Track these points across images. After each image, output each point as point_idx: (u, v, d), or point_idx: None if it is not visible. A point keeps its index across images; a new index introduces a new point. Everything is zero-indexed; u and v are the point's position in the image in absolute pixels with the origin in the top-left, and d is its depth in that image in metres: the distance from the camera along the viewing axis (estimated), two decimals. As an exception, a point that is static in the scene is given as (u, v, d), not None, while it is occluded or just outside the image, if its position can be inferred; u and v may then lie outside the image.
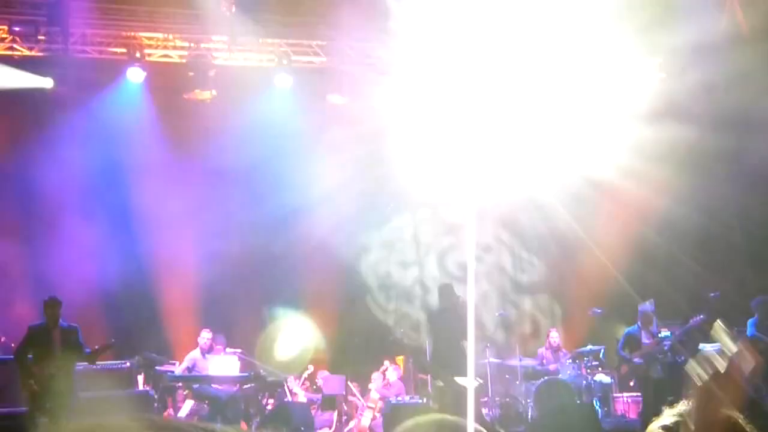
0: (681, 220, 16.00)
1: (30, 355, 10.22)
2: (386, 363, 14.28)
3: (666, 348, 12.40)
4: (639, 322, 12.61)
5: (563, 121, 15.08)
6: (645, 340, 12.39)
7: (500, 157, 13.13)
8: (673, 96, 15.73)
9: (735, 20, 15.70)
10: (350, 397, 14.35)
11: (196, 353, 12.67)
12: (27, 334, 10.47)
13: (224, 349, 13.09)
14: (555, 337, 14.30)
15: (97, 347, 10.49)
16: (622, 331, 13.03)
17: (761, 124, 15.10)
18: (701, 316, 12.38)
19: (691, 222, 16.05)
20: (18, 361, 10.37)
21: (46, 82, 14.00)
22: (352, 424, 13.70)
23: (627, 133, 15.89)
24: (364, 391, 14.19)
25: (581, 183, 16.45)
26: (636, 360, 12.23)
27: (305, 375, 14.48)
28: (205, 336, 12.86)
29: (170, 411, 12.93)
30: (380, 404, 13.56)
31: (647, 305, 12.84)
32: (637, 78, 16.31)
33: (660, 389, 12.27)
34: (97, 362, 11.51)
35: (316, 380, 14.50)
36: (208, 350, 12.83)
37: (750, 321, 12.61)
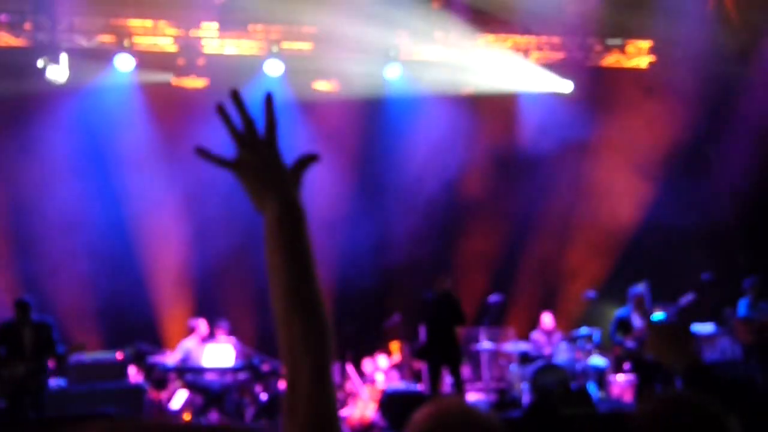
0: (673, 202, 16.06)
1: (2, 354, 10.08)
2: (380, 355, 14.31)
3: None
4: (630, 305, 12.60)
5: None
6: (636, 323, 12.38)
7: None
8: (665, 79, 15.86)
9: (722, 5, 15.79)
10: (348, 384, 14.32)
11: (190, 342, 12.60)
12: None
13: (227, 334, 12.97)
14: (548, 320, 14.29)
15: (67, 348, 10.42)
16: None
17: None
18: (691, 295, 12.41)
19: (683, 204, 16.10)
20: None
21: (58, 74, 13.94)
22: (346, 411, 13.65)
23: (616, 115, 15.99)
24: (360, 379, 14.16)
25: (571, 162, 16.55)
26: (628, 344, 12.23)
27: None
28: (201, 325, 12.79)
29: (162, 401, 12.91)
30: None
31: (638, 287, 12.83)
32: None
33: (654, 372, 12.29)
34: (89, 355, 11.47)
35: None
36: (206, 338, 12.74)
37: (742, 301, 12.65)
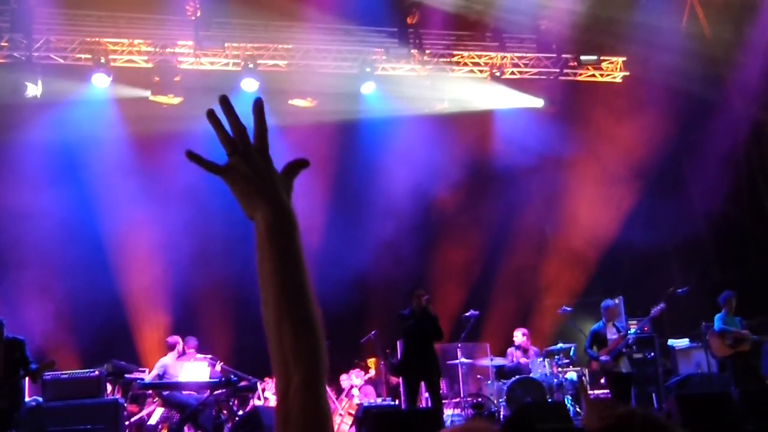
0: (648, 218, 16.18)
1: None
2: (357, 370, 14.36)
3: (630, 342, 12.45)
4: (603, 319, 12.65)
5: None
6: (611, 336, 12.42)
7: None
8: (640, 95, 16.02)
9: (696, 20, 15.96)
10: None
11: (167, 359, 12.56)
12: None
13: (195, 353, 12.97)
14: (519, 336, 14.31)
15: (39, 365, 10.31)
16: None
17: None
18: (662, 305, 12.46)
19: (658, 219, 16.23)
20: None
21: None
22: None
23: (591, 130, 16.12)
24: (336, 395, 14.17)
25: (547, 178, 16.66)
26: (603, 358, 12.27)
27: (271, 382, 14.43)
28: (180, 341, 12.77)
29: (143, 418, 12.86)
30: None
31: (610, 301, 12.91)
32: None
33: (628, 385, 12.36)
34: (66, 371, 11.39)
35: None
36: (182, 355, 12.72)
37: (717, 315, 12.74)
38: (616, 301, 13.92)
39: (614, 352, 12.20)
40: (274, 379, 1.58)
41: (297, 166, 1.74)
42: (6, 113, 13.94)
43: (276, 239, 1.63)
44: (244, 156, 1.67)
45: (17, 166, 13.98)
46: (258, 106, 1.71)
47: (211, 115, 1.67)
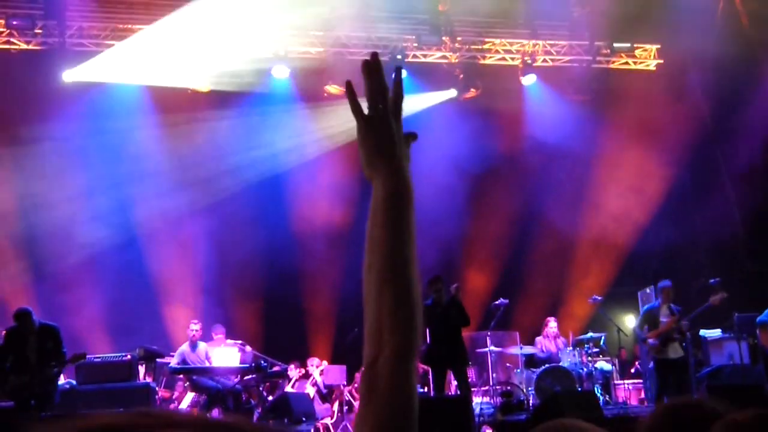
0: (680, 207, 16.03)
1: (8, 364, 9.91)
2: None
3: (685, 328, 12.06)
4: (659, 299, 12.30)
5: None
6: (663, 318, 12.09)
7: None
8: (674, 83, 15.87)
9: (734, 9, 15.74)
10: (353, 389, 14.36)
11: (185, 347, 12.59)
12: (3, 339, 10.19)
13: (224, 339, 13.05)
14: (553, 326, 14.23)
15: (70, 357, 10.31)
16: (622, 318, 12.95)
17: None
18: (723, 294, 12.06)
19: (689, 209, 16.08)
20: None
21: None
22: (353, 413, 13.70)
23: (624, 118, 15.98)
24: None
25: (578, 166, 16.53)
26: (651, 341, 12.02)
27: (313, 366, 14.44)
28: (193, 328, 12.73)
29: (174, 404, 12.96)
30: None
31: (667, 281, 12.46)
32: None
33: (676, 371, 12.00)
34: (99, 355, 11.51)
35: (318, 370, 14.49)
36: (196, 342, 12.69)
37: None
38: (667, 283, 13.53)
39: (663, 336, 11.88)
40: (366, 348, 1.56)
41: (410, 137, 1.74)
42: (38, 99, 14.06)
43: (393, 207, 1.62)
44: (382, 115, 1.68)
45: (49, 152, 14.09)
46: (399, 73, 1.74)
47: (366, 65, 1.70)
